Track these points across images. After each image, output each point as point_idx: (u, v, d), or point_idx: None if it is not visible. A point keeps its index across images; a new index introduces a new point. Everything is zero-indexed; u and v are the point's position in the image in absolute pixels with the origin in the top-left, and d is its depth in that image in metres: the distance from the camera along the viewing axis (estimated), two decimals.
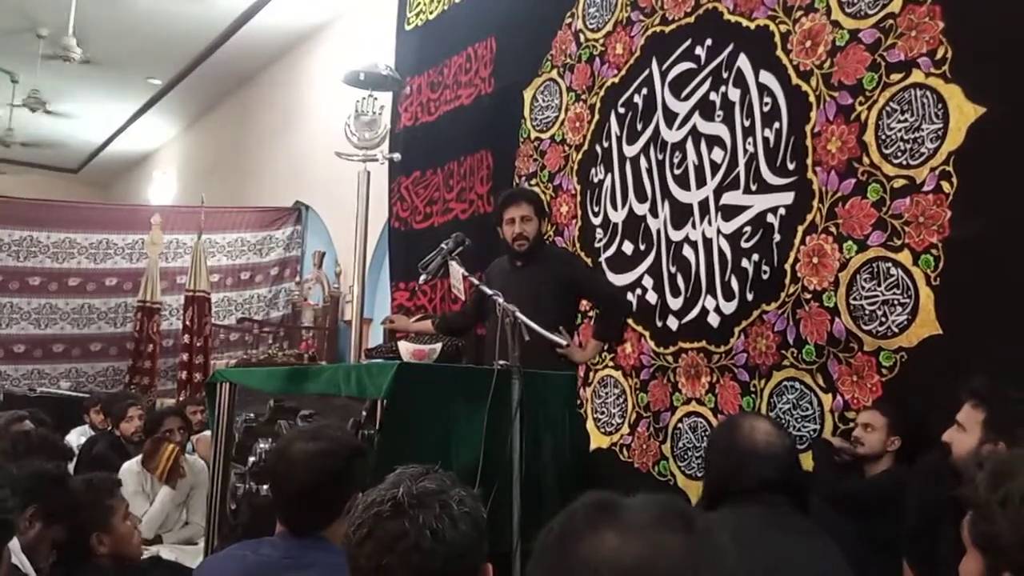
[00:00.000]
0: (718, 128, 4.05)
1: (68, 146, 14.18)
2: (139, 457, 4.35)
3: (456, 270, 3.34)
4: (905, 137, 3.31)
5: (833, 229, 3.52)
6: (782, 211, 3.73)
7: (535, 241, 3.87)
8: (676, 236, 4.19)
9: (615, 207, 4.54)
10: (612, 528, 0.87)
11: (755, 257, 3.82)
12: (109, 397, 6.13)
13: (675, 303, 4.17)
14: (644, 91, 4.45)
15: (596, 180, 4.67)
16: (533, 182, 4.99)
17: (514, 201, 3.93)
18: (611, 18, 4.68)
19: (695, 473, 3.96)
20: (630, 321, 4.32)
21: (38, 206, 9.21)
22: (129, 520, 2.80)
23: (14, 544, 2.04)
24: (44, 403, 6.48)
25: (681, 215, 4.18)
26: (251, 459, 3.09)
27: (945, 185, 3.16)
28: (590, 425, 4.46)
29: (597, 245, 4.59)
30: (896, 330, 3.28)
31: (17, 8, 9.07)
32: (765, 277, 3.77)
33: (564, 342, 2.78)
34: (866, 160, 3.43)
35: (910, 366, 3.24)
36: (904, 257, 3.27)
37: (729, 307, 3.91)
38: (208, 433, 4.33)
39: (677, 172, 4.22)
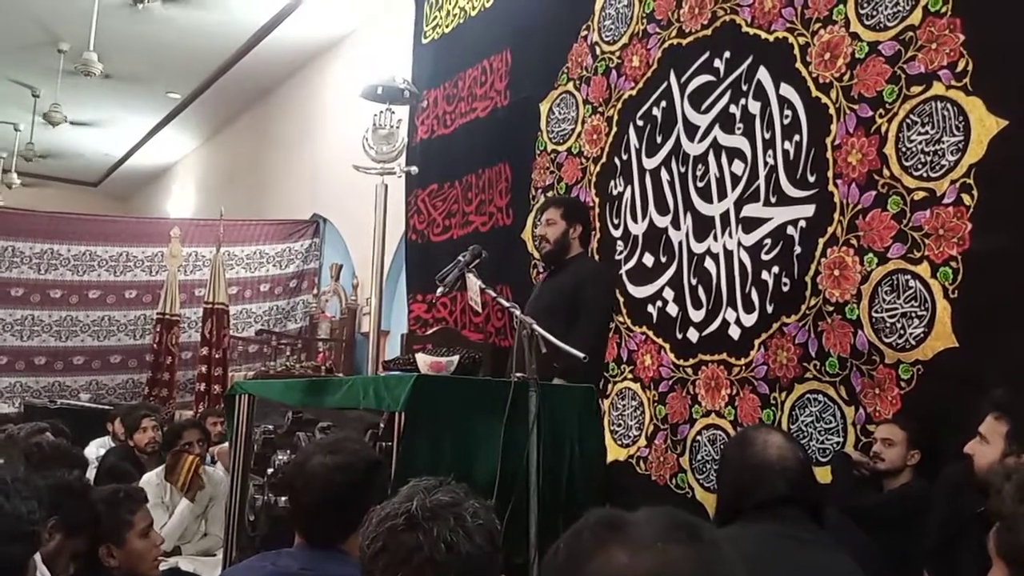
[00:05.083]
0: (738, 141, 4.04)
1: (88, 159, 14.30)
2: (158, 469, 4.36)
3: (473, 282, 3.33)
4: (926, 149, 3.29)
5: (854, 241, 3.50)
6: (802, 223, 3.71)
7: (558, 245, 3.85)
8: (698, 248, 4.18)
9: (635, 219, 4.53)
10: (620, 545, 0.88)
11: (775, 269, 3.80)
12: (126, 409, 6.15)
13: (696, 315, 4.14)
14: (663, 104, 4.44)
15: (615, 192, 4.66)
16: (550, 194, 4.99)
17: (543, 208, 3.96)
18: (627, 31, 4.68)
19: (714, 486, 3.93)
20: (650, 333, 4.31)
21: (59, 219, 9.25)
22: (150, 537, 2.73)
23: (35, 555, 2.04)
24: (64, 415, 6.50)
25: (703, 227, 4.17)
26: (270, 470, 3.09)
27: (965, 198, 3.14)
28: (606, 437, 4.44)
29: (617, 258, 4.57)
30: (914, 343, 3.25)
31: (38, 23, 9.17)
32: (785, 289, 3.75)
33: (582, 355, 2.77)
34: (886, 172, 3.41)
35: (926, 379, 3.21)
36: (923, 269, 3.24)
37: (749, 319, 3.89)
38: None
39: (700, 185, 4.21)
